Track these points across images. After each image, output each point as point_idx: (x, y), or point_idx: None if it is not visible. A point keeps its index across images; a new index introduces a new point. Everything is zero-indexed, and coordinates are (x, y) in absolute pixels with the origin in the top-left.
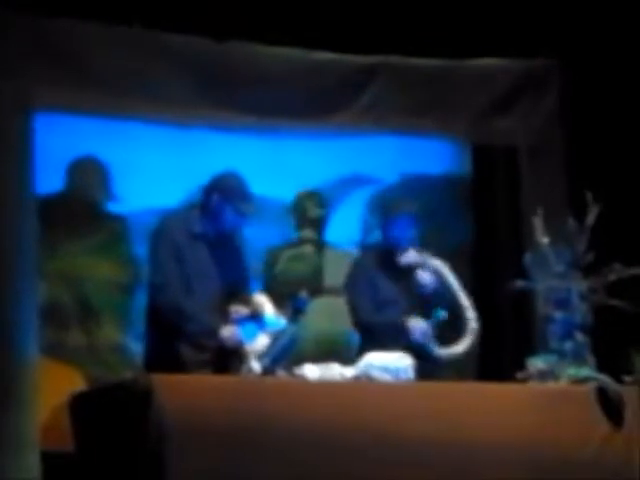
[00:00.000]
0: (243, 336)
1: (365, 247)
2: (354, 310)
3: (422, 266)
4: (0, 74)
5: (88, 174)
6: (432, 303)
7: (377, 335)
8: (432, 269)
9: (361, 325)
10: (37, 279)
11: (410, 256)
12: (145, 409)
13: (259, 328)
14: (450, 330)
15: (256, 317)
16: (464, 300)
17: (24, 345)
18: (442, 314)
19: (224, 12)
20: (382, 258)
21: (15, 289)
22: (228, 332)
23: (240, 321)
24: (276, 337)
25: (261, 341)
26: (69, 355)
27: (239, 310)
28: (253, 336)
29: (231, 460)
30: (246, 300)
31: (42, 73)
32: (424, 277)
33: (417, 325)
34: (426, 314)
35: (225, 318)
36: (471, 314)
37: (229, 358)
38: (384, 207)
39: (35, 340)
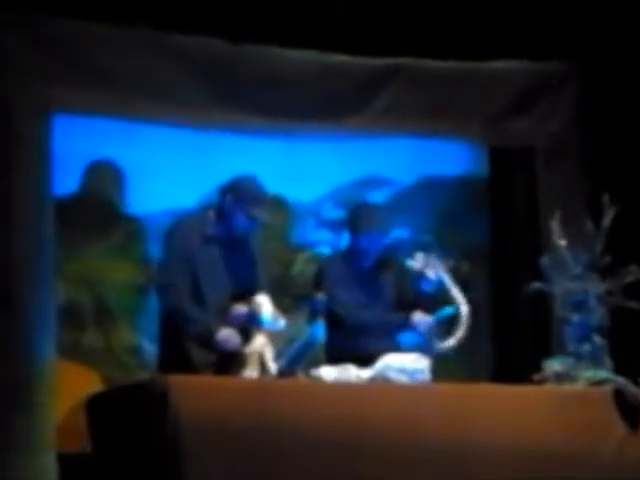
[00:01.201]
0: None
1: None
2: (336, 307)
3: (426, 268)
4: (19, 77)
5: (105, 176)
6: (433, 300)
7: (364, 333)
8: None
9: (346, 322)
10: (55, 280)
11: (418, 261)
12: (161, 410)
13: (255, 327)
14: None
15: (254, 317)
16: (458, 295)
17: (41, 346)
18: (449, 310)
19: (239, 15)
20: (352, 262)
21: (33, 290)
22: (224, 335)
23: (238, 322)
24: (292, 339)
25: (258, 342)
26: (85, 356)
27: (237, 310)
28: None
29: (247, 461)
30: (246, 300)
31: (61, 76)
32: (430, 275)
33: (422, 319)
34: (428, 311)
35: (224, 319)
36: (464, 309)
37: (234, 360)
38: (354, 219)
39: (52, 341)
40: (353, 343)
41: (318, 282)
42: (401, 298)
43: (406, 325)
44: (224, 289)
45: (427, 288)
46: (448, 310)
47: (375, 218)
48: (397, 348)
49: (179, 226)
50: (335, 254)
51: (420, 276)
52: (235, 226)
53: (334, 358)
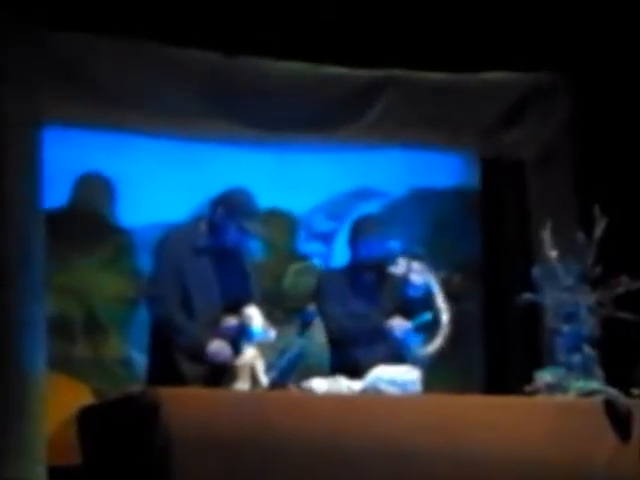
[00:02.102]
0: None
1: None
2: (328, 324)
3: (410, 273)
4: (10, 88)
5: (96, 189)
6: (417, 306)
7: (352, 344)
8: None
9: (336, 337)
10: (45, 292)
11: (400, 267)
12: (152, 423)
13: (246, 340)
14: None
15: (244, 329)
16: (441, 303)
17: (31, 359)
18: (427, 316)
19: (233, 27)
20: (350, 275)
21: (23, 302)
22: (215, 347)
23: (230, 335)
24: (283, 350)
25: (249, 354)
26: (76, 368)
27: (228, 322)
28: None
29: (238, 473)
30: (237, 312)
31: (51, 87)
32: (416, 280)
33: (399, 324)
34: (411, 316)
35: (215, 331)
36: (445, 317)
37: (225, 373)
38: (354, 227)
39: (43, 354)
40: (341, 356)
41: (317, 297)
42: (395, 307)
43: (386, 333)
44: (214, 301)
45: (413, 294)
46: (426, 316)
47: (374, 226)
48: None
49: (169, 238)
50: (336, 269)
51: (405, 282)
52: (226, 239)
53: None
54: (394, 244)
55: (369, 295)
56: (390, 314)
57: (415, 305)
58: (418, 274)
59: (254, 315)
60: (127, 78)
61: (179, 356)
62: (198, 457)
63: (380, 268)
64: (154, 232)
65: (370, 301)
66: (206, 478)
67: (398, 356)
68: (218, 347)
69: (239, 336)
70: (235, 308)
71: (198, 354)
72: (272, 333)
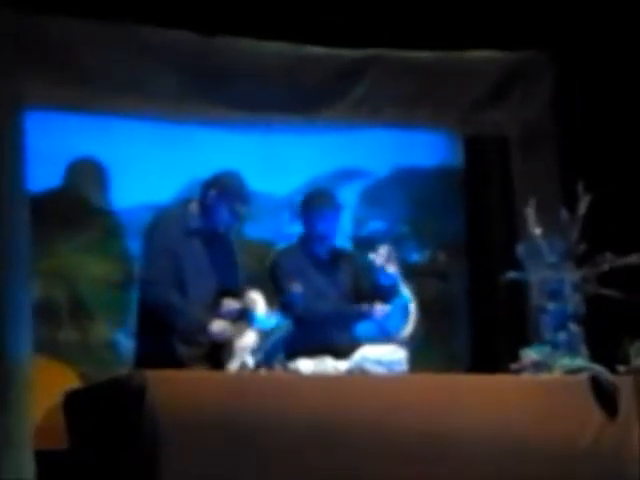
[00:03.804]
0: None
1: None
2: (292, 301)
3: (388, 262)
4: None
5: (80, 171)
6: (386, 293)
7: (321, 325)
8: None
9: (304, 315)
10: (30, 276)
11: (381, 255)
12: (139, 406)
13: (248, 324)
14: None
15: (246, 313)
16: (407, 291)
17: (17, 343)
18: (405, 299)
19: (213, 7)
20: (306, 250)
21: (8, 287)
22: (218, 327)
23: (232, 317)
24: (269, 332)
25: (249, 337)
26: (62, 352)
27: (230, 304)
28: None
29: (225, 455)
30: (239, 295)
31: (33, 71)
32: (390, 269)
33: (380, 308)
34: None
35: (216, 312)
36: (412, 305)
37: (221, 354)
38: (307, 200)
39: (28, 338)
40: (311, 335)
41: (273, 276)
42: (357, 290)
43: (365, 316)
44: (207, 283)
45: (385, 282)
46: (404, 299)
47: (327, 199)
48: (355, 339)
49: (160, 220)
50: (289, 245)
51: (380, 270)
52: (217, 221)
53: (293, 352)
54: (377, 224)
55: (327, 270)
56: (350, 292)
57: (384, 292)
58: (393, 264)
59: (258, 300)
60: (109, 61)
61: (174, 338)
62: (185, 439)
63: (338, 250)
64: (140, 214)
65: (328, 276)
66: (192, 460)
67: (376, 338)
68: (221, 327)
69: (240, 319)
70: (229, 291)
71: (197, 333)
72: (273, 319)
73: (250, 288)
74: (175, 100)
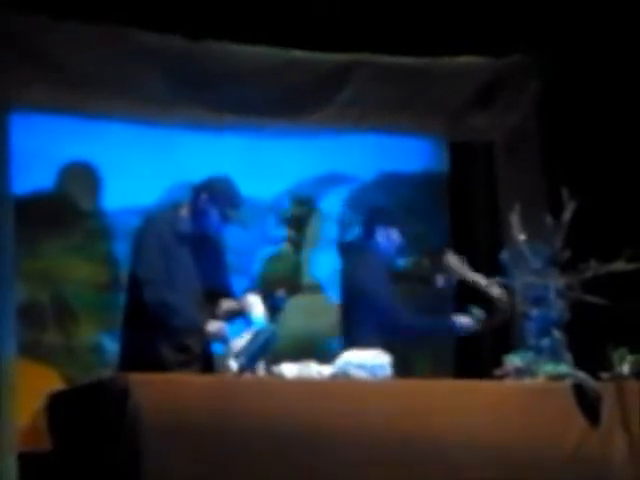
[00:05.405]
0: (229, 333)
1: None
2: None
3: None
4: None
5: (66, 174)
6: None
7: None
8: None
9: None
10: (14, 279)
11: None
12: (122, 408)
13: (245, 327)
14: None
15: (244, 316)
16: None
17: (1, 345)
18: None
19: (199, 11)
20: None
21: None
22: (215, 327)
23: (228, 318)
24: (253, 336)
25: (240, 340)
26: (46, 355)
27: (229, 306)
28: (239, 334)
29: (208, 458)
30: (237, 298)
31: (19, 73)
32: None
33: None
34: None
35: (212, 313)
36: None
37: (209, 358)
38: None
39: (12, 340)
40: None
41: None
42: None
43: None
44: (196, 285)
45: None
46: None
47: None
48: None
49: (152, 223)
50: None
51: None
52: (208, 225)
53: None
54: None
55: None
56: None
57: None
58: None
59: (255, 303)
60: (97, 64)
61: (164, 342)
62: (167, 442)
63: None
64: (126, 217)
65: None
66: (175, 463)
67: None
68: (218, 327)
69: (237, 321)
70: (220, 294)
71: (193, 335)
72: (271, 324)
73: (248, 292)
74: (162, 103)
